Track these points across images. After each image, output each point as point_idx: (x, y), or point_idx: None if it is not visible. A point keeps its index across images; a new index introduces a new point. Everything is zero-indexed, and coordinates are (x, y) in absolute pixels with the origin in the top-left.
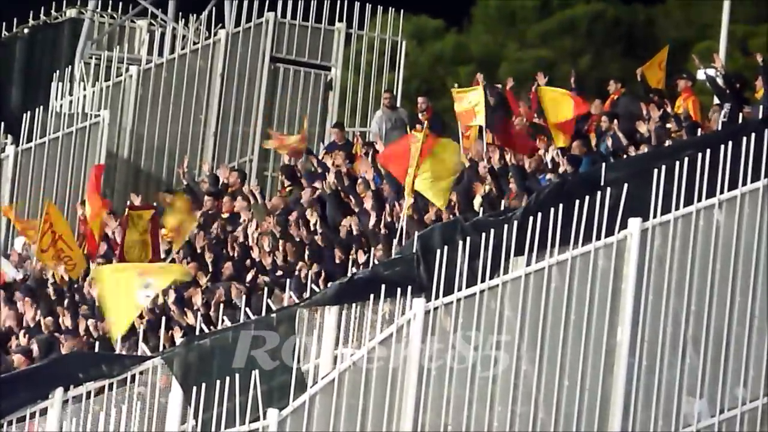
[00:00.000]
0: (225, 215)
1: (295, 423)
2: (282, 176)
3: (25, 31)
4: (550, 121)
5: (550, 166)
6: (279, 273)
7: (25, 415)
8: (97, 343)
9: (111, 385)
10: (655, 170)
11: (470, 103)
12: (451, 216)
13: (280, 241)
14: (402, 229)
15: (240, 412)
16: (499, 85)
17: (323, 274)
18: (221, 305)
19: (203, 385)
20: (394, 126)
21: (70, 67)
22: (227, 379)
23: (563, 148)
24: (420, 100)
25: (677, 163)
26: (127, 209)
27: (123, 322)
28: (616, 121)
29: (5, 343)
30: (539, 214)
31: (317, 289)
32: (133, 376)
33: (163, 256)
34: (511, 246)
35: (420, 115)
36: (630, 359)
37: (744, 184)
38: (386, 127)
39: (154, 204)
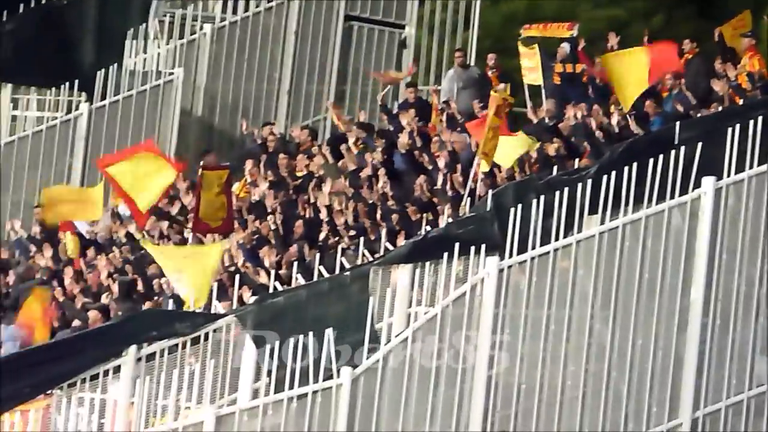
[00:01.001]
0: (298, 174)
1: (368, 381)
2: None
3: None
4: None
5: (616, 130)
6: (352, 232)
7: (98, 373)
8: (170, 302)
9: (184, 343)
10: (729, 129)
11: (531, 61)
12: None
13: (352, 201)
14: (474, 188)
15: (313, 370)
16: None
17: (396, 232)
18: (294, 264)
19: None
20: (466, 85)
21: (144, 24)
22: (300, 337)
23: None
24: (490, 56)
25: (750, 122)
26: (200, 169)
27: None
28: (682, 79)
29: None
30: (613, 173)
31: (390, 248)
32: (206, 334)
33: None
34: (584, 204)
35: (490, 73)
36: (703, 319)
37: None
38: (458, 86)
39: (227, 163)
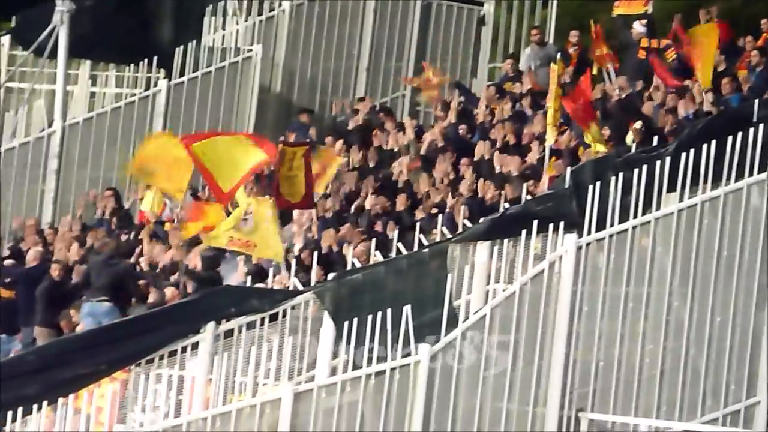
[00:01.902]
0: (380, 150)
1: (446, 358)
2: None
3: None
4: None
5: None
6: (433, 210)
7: (176, 349)
8: (249, 278)
9: (262, 320)
10: None
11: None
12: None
13: (431, 177)
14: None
15: (391, 347)
16: None
17: (474, 209)
18: (373, 240)
19: (354, 320)
20: (543, 63)
21: (222, 1)
22: (378, 314)
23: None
24: (572, 33)
25: None
26: (280, 145)
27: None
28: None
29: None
30: (691, 150)
31: (469, 225)
32: (284, 311)
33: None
34: (663, 182)
35: (572, 50)
36: None
37: None
38: (535, 64)
39: (308, 140)
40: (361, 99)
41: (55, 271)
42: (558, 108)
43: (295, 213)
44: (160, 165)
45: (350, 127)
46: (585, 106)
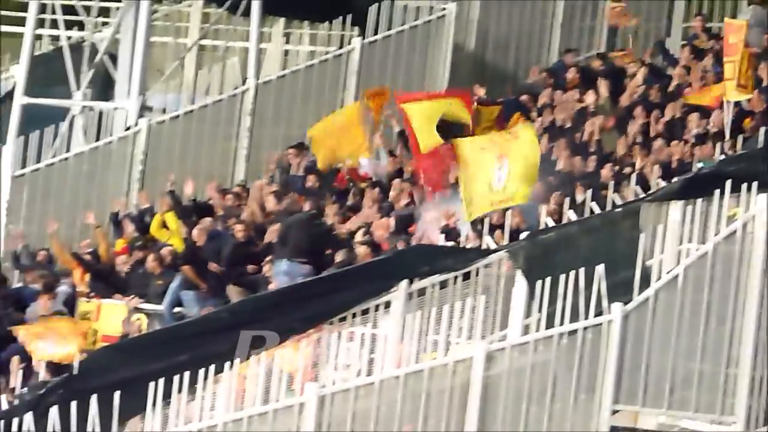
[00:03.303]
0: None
1: (639, 318)
2: None
3: None
4: None
5: None
6: (626, 170)
7: (369, 307)
8: (442, 236)
9: (455, 279)
10: None
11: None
12: None
13: (624, 137)
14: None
15: (584, 306)
16: None
17: (666, 169)
18: (566, 200)
19: (547, 279)
20: (755, 23)
21: None
22: (571, 273)
23: None
24: None
25: None
26: (475, 103)
27: (478, 207)
28: None
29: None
30: None
31: (662, 184)
32: (477, 270)
33: None
34: None
35: None
36: None
37: None
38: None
39: (501, 99)
40: (567, 51)
41: (239, 231)
42: (746, 68)
43: None
44: (336, 136)
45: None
46: None
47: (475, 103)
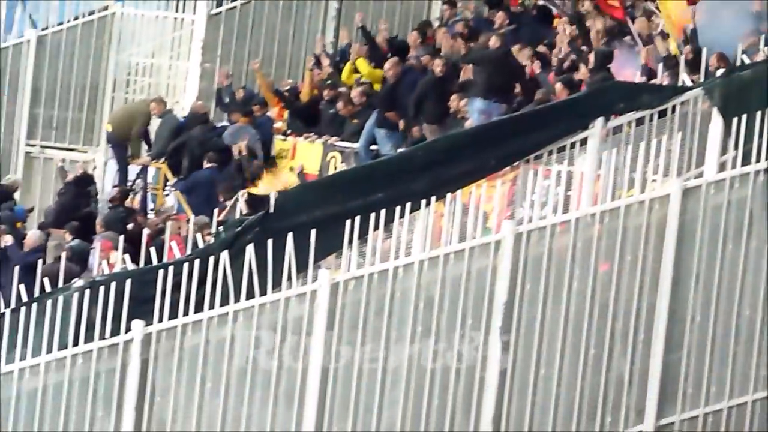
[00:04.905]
0: None
1: None
2: None
3: None
4: None
5: None
6: None
7: (565, 145)
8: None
9: (651, 116)
10: None
11: None
12: None
13: None
14: None
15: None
16: None
17: None
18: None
19: (744, 115)
20: None
21: None
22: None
23: None
24: None
25: None
26: None
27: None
28: None
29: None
30: None
31: None
32: (673, 107)
33: None
34: None
35: None
36: None
37: None
38: None
39: None
40: None
41: (438, 66)
42: None
43: None
44: None
45: None
46: None
47: None
